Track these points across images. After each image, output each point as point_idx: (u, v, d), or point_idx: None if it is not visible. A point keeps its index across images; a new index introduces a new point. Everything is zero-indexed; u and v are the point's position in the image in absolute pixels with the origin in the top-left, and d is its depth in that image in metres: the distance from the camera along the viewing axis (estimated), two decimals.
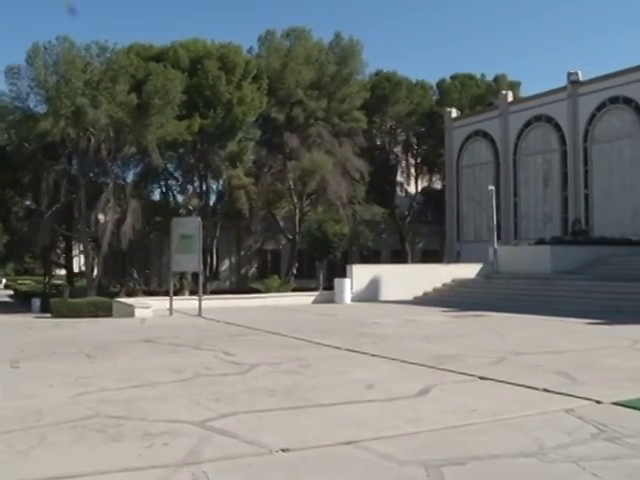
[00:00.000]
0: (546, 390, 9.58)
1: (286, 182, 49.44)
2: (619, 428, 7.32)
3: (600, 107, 44.05)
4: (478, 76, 62.92)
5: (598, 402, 8.76)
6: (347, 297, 32.42)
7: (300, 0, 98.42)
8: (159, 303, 27.47)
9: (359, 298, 32.53)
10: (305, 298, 32.90)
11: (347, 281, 32.97)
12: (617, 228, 41.18)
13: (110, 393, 9.77)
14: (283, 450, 6.62)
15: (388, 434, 7.22)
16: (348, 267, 34.57)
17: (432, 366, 12.00)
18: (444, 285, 34.52)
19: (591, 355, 13.55)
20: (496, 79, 62.47)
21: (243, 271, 55.20)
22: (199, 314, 24.86)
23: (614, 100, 43.27)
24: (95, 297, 33.24)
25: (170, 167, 49.37)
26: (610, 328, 19.40)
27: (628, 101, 42.41)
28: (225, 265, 54.49)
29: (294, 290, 37.93)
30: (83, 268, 54.97)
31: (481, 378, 10.70)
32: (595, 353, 13.83)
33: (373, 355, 13.63)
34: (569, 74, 45.69)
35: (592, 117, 44.52)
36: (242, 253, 55.24)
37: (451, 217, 54.85)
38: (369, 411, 8.50)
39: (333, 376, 11.25)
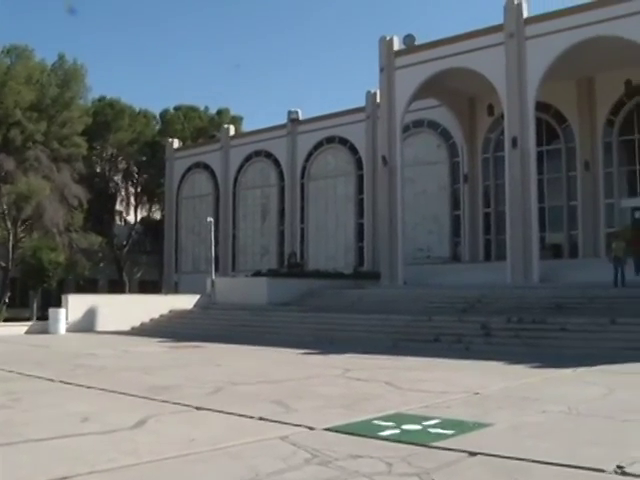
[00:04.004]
0: (262, 418, 9.77)
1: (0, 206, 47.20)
2: (331, 452, 7.61)
3: (318, 145, 46.05)
4: (202, 108, 63.75)
5: (311, 428, 9.05)
6: (62, 328, 31.37)
7: (23, 17, 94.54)
8: None
9: (75, 329, 31.59)
10: (18, 328, 31.41)
11: (62, 311, 31.91)
12: (331, 262, 43.07)
13: None
14: None
15: (104, 467, 7.05)
16: (63, 297, 33.48)
17: (149, 397, 11.87)
18: (162, 316, 34.30)
19: (305, 384, 13.99)
20: (219, 113, 63.59)
21: None
22: None
23: (331, 140, 45.39)
24: None
25: None
26: (323, 357, 20.13)
27: (344, 141, 44.65)
28: None
29: (6, 320, 36.07)
30: None
31: (198, 408, 10.72)
32: (309, 382, 14.30)
33: (88, 387, 13.27)
34: (289, 112, 47.37)
35: (310, 155, 46.40)
36: None
37: (170, 248, 54.79)
38: (85, 445, 8.26)
39: (47, 409, 10.82)
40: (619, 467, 6.86)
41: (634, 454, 7.43)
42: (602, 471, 6.78)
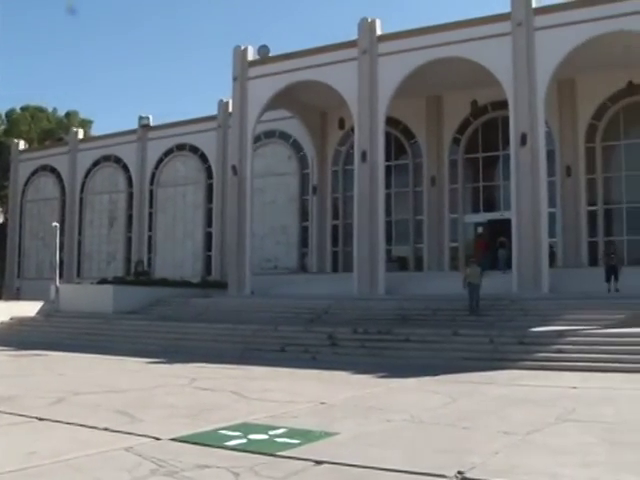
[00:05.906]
0: (106, 429, 9.61)
1: None
2: (177, 462, 7.56)
3: (168, 152, 45.57)
4: (50, 110, 62.08)
5: (157, 439, 8.96)
6: None
7: None
8: None
9: None
10: None
11: None
12: (179, 270, 42.62)
13: None
14: None
15: None
16: None
17: None
18: (2, 323, 33.08)
19: (151, 393, 13.82)
20: (68, 115, 62.15)
21: None
22: None
23: (181, 147, 45.04)
24: None
25: None
26: (170, 367, 19.94)
27: (194, 149, 44.38)
28: None
29: None
30: None
31: (39, 419, 10.44)
32: (155, 392, 14.13)
33: None
34: (140, 117, 46.65)
35: (160, 161, 45.87)
36: None
37: (12, 252, 52.93)
38: None
39: None
40: (459, 472, 7.11)
41: (474, 460, 7.71)
42: (444, 477, 7.01)
